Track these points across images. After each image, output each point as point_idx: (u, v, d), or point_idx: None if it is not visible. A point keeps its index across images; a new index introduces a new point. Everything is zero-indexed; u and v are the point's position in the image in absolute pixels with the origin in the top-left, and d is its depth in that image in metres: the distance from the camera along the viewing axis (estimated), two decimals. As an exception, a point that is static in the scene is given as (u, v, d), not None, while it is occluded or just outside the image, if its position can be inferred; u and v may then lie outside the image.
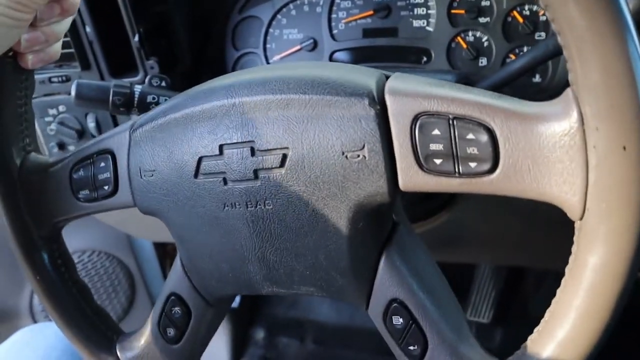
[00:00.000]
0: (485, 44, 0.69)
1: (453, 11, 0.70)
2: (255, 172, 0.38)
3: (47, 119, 0.76)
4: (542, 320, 0.34)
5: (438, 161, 0.34)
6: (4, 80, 0.45)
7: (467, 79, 0.57)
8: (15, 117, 0.47)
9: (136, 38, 0.68)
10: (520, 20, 0.68)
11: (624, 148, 0.27)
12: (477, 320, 1.21)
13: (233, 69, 0.80)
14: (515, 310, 1.21)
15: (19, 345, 0.80)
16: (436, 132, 0.33)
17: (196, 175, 0.40)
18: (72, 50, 0.70)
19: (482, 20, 0.69)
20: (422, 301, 0.39)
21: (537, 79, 0.68)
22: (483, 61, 0.70)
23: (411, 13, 0.72)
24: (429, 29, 0.71)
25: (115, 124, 0.75)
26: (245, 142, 0.38)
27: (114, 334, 0.52)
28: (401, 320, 0.39)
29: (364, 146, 0.35)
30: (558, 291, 0.33)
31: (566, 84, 0.60)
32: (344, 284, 0.40)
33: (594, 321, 0.31)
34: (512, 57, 0.69)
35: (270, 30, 0.78)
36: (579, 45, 0.28)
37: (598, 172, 0.28)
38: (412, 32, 0.72)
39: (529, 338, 0.35)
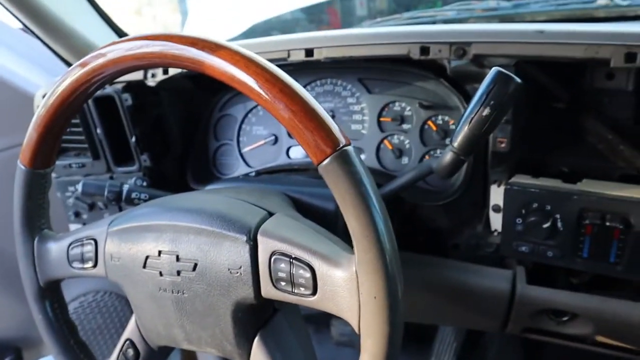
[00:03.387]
0: (407, 146, 0.86)
1: (381, 119, 0.88)
2: (178, 272, 0.57)
3: (67, 194, 0.97)
4: None
5: (283, 283, 0.52)
6: (32, 187, 0.64)
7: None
8: (37, 207, 0.67)
9: (133, 139, 0.88)
10: (434, 128, 0.84)
11: (375, 297, 0.46)
12: (440, 367, 1.34)
13: (214, 156, 0.99)
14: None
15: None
16: (282, 265, 0.52)
17: (144, 266, 0.59)
18: (86, 145, 0.92)
19: (404, 127, 0.86)
20: None
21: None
22: (405, 160, 0.87)
23: (350, 118, 0.90)
24: (364, 132, 0.89)
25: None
26: (173, 251, 0.57)
27: None
28: None
29: (240, 267, 0.54)
30: None
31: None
32: (232, 350, 0.58)
33: None
34: (427, 157, 0.85)
35: (243, 126, 0.97)
36: (359, 250, 0.46)
37: (363, 309, 0.47)
38: (350, 134, 0.89)
39: None
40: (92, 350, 0.74)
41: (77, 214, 0.98)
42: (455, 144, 0.61)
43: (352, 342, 1.42)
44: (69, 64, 1.00)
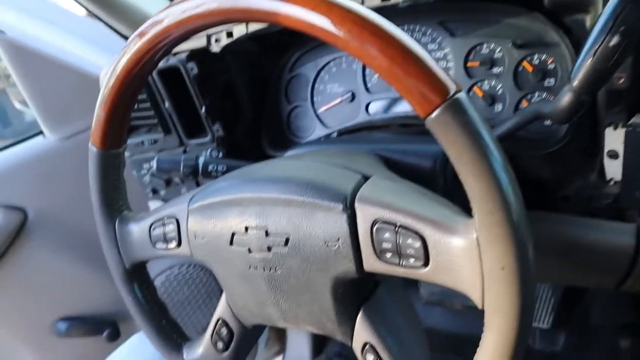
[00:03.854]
0: (500, 92, 0.77)
1: (469, 64, 0.79)
2: (269, 247, 0.52)
3: (143, 171, 0.96)
4: None
5: (388, 255, 0.46)
6: (106, 168, 0.62)
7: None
8: (114, 189, 0.65)
9: (203, 110, 0.84)
10: (530, 69, 0.75)
11: (503, 267, 0.39)
12: (537, 325, 1.26)
13: (288, 119, 0.94)
14: (575, 318, 1.24)
15: (133, 347, 1.02)
16: (387, 235, 0.46)
17: (231, 243, 0.55)
18: (156, 121, 0.89)
19: (495, 70, 0.77)
20: (388, 346, 0.51)
21: (548, 122, 0.75)
22: (498, 107, 0.78)
23: (433, 67, 0.81)
24: (449, 80, 0.80)
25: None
26: (261, 226, 0.52)
27: (182, 340, 0.70)
28: (372, 357, 0.52)
29: (339, 239, 0.48)
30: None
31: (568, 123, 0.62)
32: (333, 328, 0.54)
33: None
34: (525, 103, 0.76)
35: (316, 85, 0.91)
36: (481, 213, 0.40)
37: (488, 281, 0.40)
38: None
39: None
40: (182, 324, 0.72)
41: (155, 191, 0.97)
42: (576, 83, 0.52)
43: (442, 301, 1.36)
44: None
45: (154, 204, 1.01)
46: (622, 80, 0.62)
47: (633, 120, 0.63)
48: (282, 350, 1.72)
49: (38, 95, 1.28)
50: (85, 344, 1.42)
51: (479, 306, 0.42)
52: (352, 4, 0.40)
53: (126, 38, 0.98)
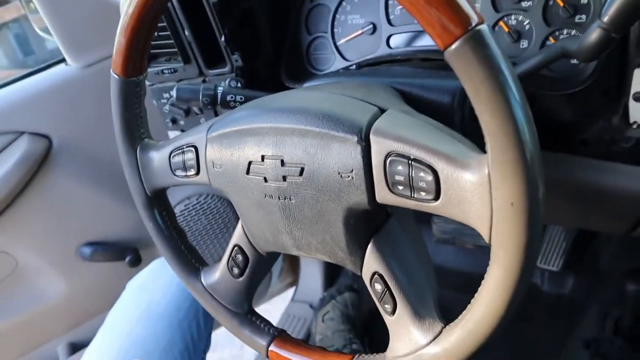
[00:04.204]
0: (527, 27, 0.75)
1: None
2: (284, 177, 0.53)
3: (162, 100, 0.96)
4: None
5: (400, 187, 0.47)
6: (127, 96, 0.64)
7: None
8: (135, 117, 0.66)
9: (222, 39, 0.84)
10: (561, 4, 0.72)
11: (512, 204, 0.39)
12: (547, 267, 1.28)
13: (307, 51, 0.93)
14: (585, 262, 1.26)
15: (154, 271, 1.06)
16: (400, 167, 0.46)
17: (247, 172, 0.56)
18: (176, 49, 0.88)
19: (524, 4, 0.74)
20: (396, 276, 0.53)
21: (574, 61, 0.73)
22: (524, 44, 0.75)
23: (459, -1, 0.79)
24: (475, 14, 0.78)
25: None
26: (277, 155, 0.53)
27: (200, 265, 0.73)
28: (380, 286, 0.54)
29: (352, 170, 0.49)
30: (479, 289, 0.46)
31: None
32: (344, 257, 0.55)
33: (497, 309, 0.44)
34: (552, 40, 0.74)
35: (337, 16, 0.89)
36: (495, 149, 0.39)
37: (496, 217, 0.41)
38: None
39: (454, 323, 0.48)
40: (200, 252, 0.75)
41: (174, 121, 0.98)
42: (606, 18, 0.50)
43: (453, 239, 1.38)
44: None
45: (173, 134, 1.02)
46: None
47: None
48: (295, 281, 1.78)
49: (60, 22, 1.27)
50: (109, 268, 1.49)
51: (487, 240, 0.43)
52: None
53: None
